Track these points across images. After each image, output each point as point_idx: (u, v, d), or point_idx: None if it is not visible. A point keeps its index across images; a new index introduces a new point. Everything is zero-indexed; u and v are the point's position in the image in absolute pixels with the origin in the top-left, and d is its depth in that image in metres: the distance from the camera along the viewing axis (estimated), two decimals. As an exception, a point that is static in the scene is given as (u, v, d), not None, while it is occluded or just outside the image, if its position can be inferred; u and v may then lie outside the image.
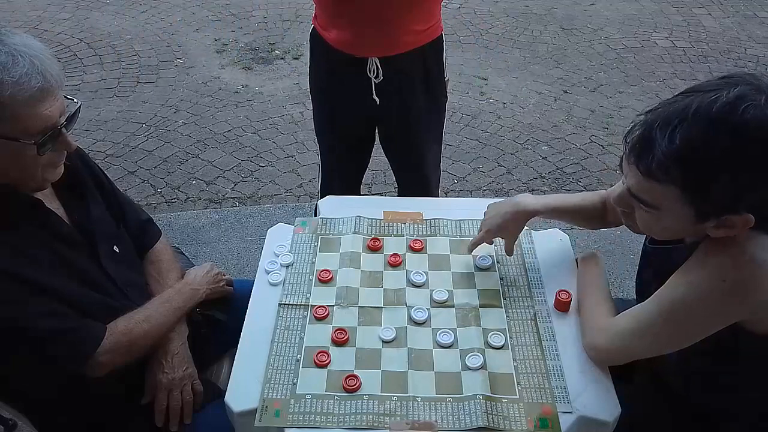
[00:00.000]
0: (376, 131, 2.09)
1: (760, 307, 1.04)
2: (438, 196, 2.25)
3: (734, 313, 1.06)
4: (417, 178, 2.13)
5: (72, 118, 1.20)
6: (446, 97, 2.01)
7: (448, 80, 1.98)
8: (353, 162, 2.18)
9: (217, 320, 1.57)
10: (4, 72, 1.08)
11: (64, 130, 1.18)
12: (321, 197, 2.25)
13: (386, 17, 1.75)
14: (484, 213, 1.50)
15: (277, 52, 4.29)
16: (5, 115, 1.09)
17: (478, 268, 1.48)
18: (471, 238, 1.55)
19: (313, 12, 1.92)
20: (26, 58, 1.10)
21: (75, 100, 1.21)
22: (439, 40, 1.89)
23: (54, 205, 1.29)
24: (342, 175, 2.20)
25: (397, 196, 2.28)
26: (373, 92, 1.87)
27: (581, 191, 3.10)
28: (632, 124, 1.04)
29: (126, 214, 1.49)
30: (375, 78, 1.85)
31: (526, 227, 1.60)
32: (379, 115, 1.96)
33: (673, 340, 1.14)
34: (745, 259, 1.01)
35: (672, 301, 1.10)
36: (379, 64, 1.82)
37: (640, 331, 1.16)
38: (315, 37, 1.92)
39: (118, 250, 1.39)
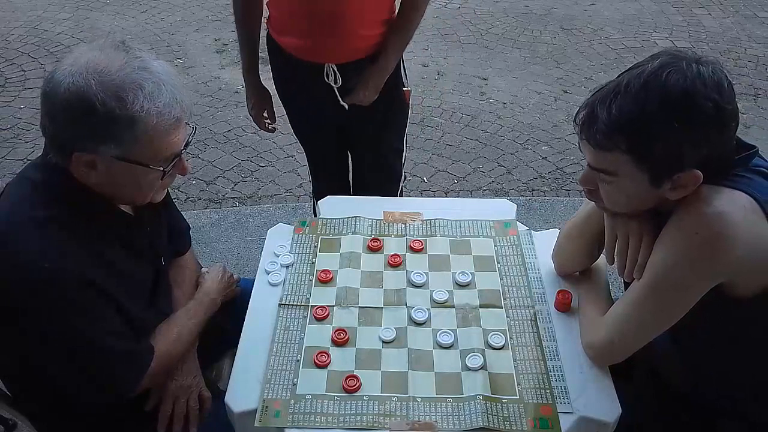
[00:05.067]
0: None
1: (737, 263, 1.05)
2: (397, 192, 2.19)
3: (713, 269, 1.08)
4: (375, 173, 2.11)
5: (189, 143, 1.20)
6: (407, 105, 1.98)
7: (408, 90, 1.94)
8: (339, 162, 2.17)
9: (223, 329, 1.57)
10: (150, 101, 1.07)
11: (182, 155, 1.19)
12: (314, 198, 2.25)
13: (338, 24, 1.72)
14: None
15: (277, 52, 4.29)
16: (143, 142, 1.10)
17: (478, 269, 1.48)
18: (471, 238, 1.56)
19: (267, 16, 1.88)
20: (168, 87, 1.10)
21: (190, 124, 1.20)
22: None
23: (131, 214, 1.28)
24: (330, 175, 2.19)
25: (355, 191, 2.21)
26: (339, 98, 1.86)
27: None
28: (578, 108, 1.13)
29: (172, 221, 1.48)
30: (334, 84, 1.83)
31: (525, 227, 1.60)
32: (343, 118, 1.94)
33: (662, 314, 1.15)
34: (711, 211, 1.06)
35: (653, 270, 1.13)
36: (336, 71, 1.81)
37: (629, 313, 1.18)
38: (271, 42, 1.89)
39: (164, 262, 1.39)
